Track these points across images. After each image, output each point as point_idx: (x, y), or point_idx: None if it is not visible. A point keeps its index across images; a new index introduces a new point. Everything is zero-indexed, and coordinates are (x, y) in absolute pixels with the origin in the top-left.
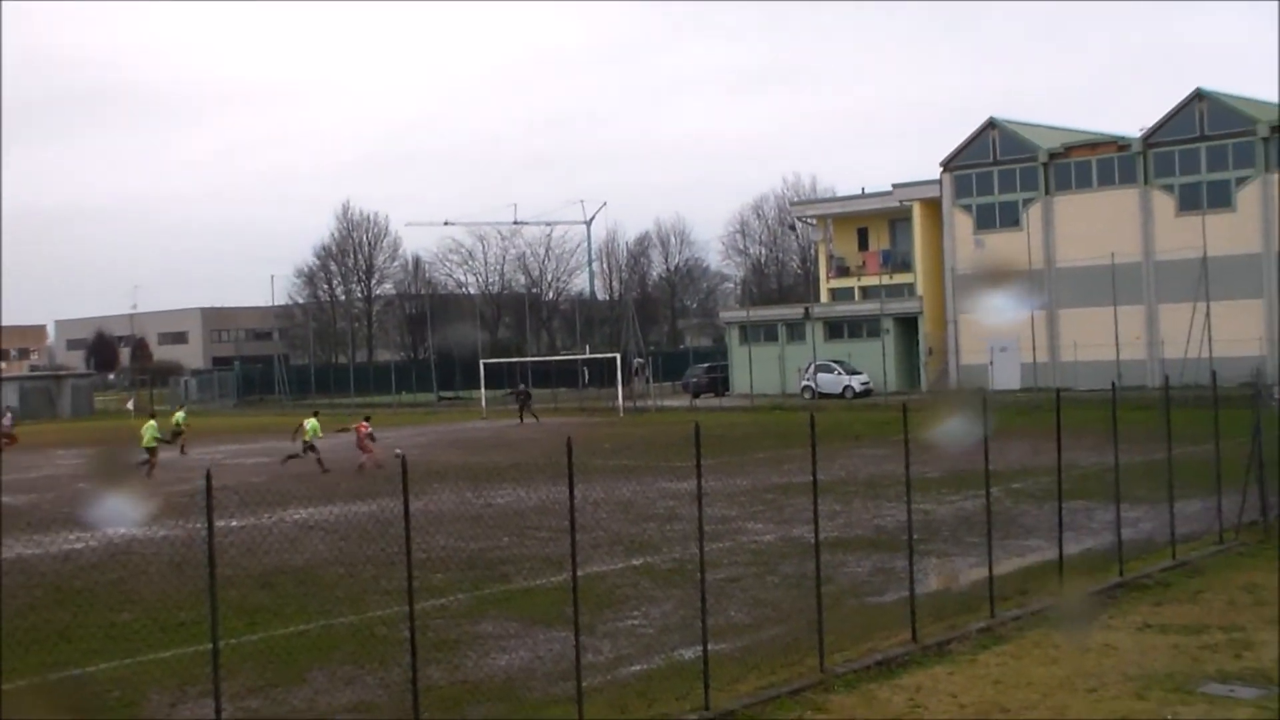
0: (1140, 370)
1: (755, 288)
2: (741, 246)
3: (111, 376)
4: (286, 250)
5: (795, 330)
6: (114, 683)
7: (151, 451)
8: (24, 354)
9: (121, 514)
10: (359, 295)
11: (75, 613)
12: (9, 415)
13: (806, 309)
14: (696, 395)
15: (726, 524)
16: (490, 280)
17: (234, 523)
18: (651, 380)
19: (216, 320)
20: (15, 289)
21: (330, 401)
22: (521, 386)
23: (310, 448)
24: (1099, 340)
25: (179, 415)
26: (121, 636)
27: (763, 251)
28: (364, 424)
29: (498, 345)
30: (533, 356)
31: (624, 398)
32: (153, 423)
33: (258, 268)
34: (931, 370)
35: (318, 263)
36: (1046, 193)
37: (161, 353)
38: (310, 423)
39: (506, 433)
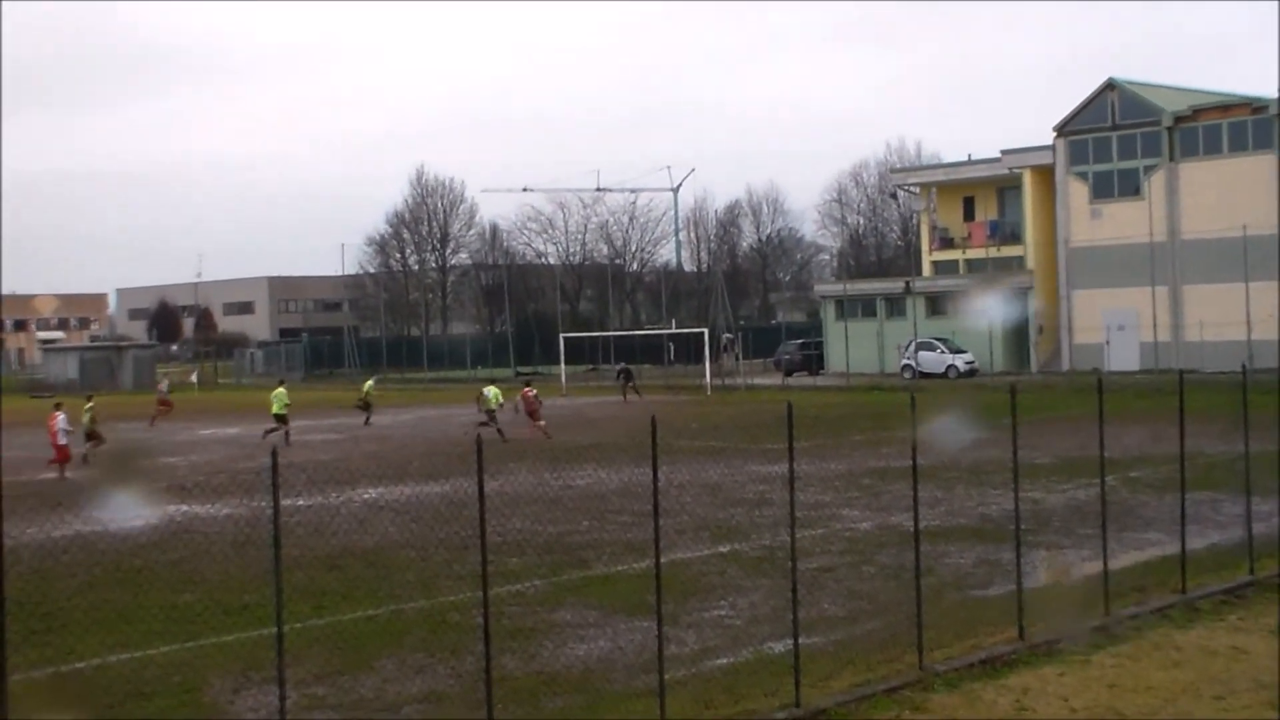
0: (1273, 352)
1: (853, 260)
2: (839, 216)
3: (174, 348)
4: (357, 218)
5: (895, 305)
6: (175, 666)
7: (281, 420)
8: (84, 323)
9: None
10: (433, 265)
11: (135, 593)
12: (166, 381)
13: (907, 283)
14: (789, 373)
15: (820, 510)
16: (571, 250)
17: (300, 501)
18: (741, 357)
19: (284, 290)
20: (75, 257)
21: (402, 376)
22: (623, 364)
23: (491, 417)
24: (1228, 319)
25: (369, 385)
26: (183, 619)
27: (861, 221)
28: (528, 389)
29: (578, 318)
30: (615, 330)
31: (712, 375)
32: (281, 390)
33: (327, 236)
34: (1042, 350)
35: (390, 231)
36: (1171, 159)
37: (227, 323)
38: (490, 390)
39: (586, 411)
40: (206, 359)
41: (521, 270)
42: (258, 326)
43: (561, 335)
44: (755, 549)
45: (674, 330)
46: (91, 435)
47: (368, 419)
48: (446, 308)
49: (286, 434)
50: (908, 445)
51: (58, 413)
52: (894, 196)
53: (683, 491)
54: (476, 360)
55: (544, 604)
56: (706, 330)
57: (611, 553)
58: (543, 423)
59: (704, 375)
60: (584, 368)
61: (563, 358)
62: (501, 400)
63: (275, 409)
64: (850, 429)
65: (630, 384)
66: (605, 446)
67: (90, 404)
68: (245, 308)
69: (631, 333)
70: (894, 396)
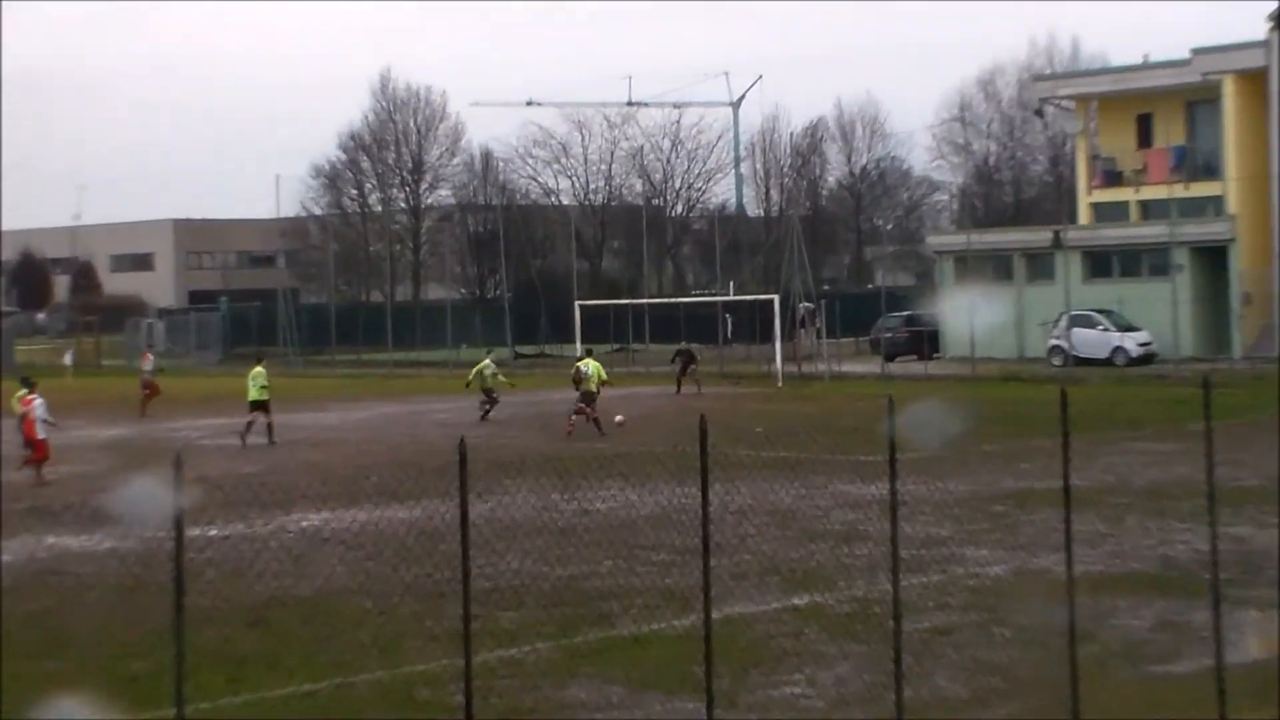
0: None
1: (980, 201)
2: (961, 141)
3: (41, 316)
4: (299, 140)
5: (1040, 265)
6: None
7: (261, 407)
8: None
9: None
10: (402, 205)
11: None
12: (150, 359)
13: (1057, 233)
14: (891, 357)
15: (934, 548)
16: (592, 187)
17: (213, 531)
18: (824, 335)
19: (195, 238)
20: None
21: (358, 358)
22: (684, 343)
23: (589, 399)
24: None
25: (487, 366)
26: (44, 697)
27: (993, 149)
28: (583, 366)
29: (601, 280)
30: (651, 297)
31: (785, 359)
32: (260, 369)
33: (258, 165)
34: (1248, 328)
35: (344, 159)
36: None
37: (115, 283)
38: (591, 365)
39: (612, 406)
40: (86, 332)
41: (524, 213)
42: (158, 288)
43: (577, 303)
44: (843, 602)
45: (732, 297)
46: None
47: (487, 413)
48: (420, 264)
49: (269, 426)
50: (1056, 459)
51: (32, 396)
52: (1039, 114)
53: (743, 520)
54: (460, 335)
55: (550, 676)
56: (777, 298)
57: (644, 605)
58: (591, 414)
59: (774, 359)
60: (608, 348)
61: (579, 334)
62: (605, 377)
63: (253, 394)
64: (976, 435)
65: (690, 370)
66: (636, 457)
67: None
68: (141, 262)
69: (674, 300)
70: (1037, 390)
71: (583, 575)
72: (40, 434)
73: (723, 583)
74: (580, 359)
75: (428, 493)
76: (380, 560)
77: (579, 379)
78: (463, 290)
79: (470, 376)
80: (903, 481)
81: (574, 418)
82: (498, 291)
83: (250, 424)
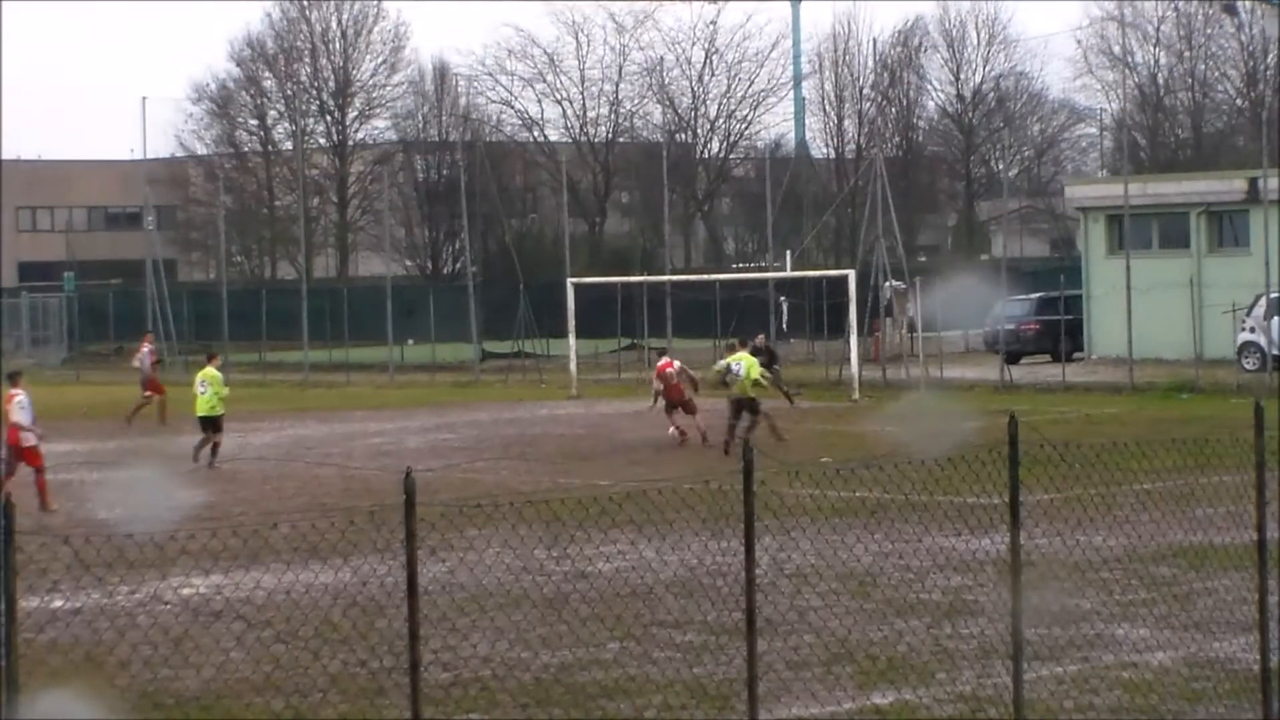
0: None
1: (1144, 137)
2: (1120, 50)
3: None
4: (173, 49)
5: (1230, 227)
6: None
7: (214, 425)
8: None
9: None
10: (321, 141)
11: None
12: (149, 349)
13: (1253, 182)
14: (1014, 358)
15: (1072, 626)
16: (591, 115)
17: (60, 601)
18: (920, 327)
19: (26, 187)
20: None
21: (261, 359)
22: (761, 337)
23: (741, 409)
24: None
25: (744, 363)
26: None
27: (1163, 61)
28: (666, 361)
29: (604, 249)
30: (674, 274)
31: (864, 361)
32: (213, 371)
33: (115, 87)
34: None
35: (238, 75)
36: None
37: None
38: (745, 363)
39: (616, 426)
40: None
41: (494, 154)
42: None
43: (570, 281)
44: (945, 701)
45: (790, 273)
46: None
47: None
48: (348, 226)
49: (214, 447)
50: (1247, 502)
51: (15, 390)
52: (1230, 10)
53: (803, 587)
54: (403, 329)
55: None
56: (853, 274)
57: (663, 704)
58: (697, 421)
59: (849, 359)
60: (614, 344)
61: (572, 324)
62: (768, 375)
63: (203, 407)
64: (1131, 468)
65: (775, 375)
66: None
67: None
68: None
69: (710, 277)
70: (1221, 405)
71: (578, 663)
72: (27, 440)
73: (775, 674)
74: (734, 352)
75: (360, 548)
76: (294, 643)
77: (731, 378)
78: (409, 264)
79: None
80: (1028, 533)
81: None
82: (458, 265)
83: (206, 443)
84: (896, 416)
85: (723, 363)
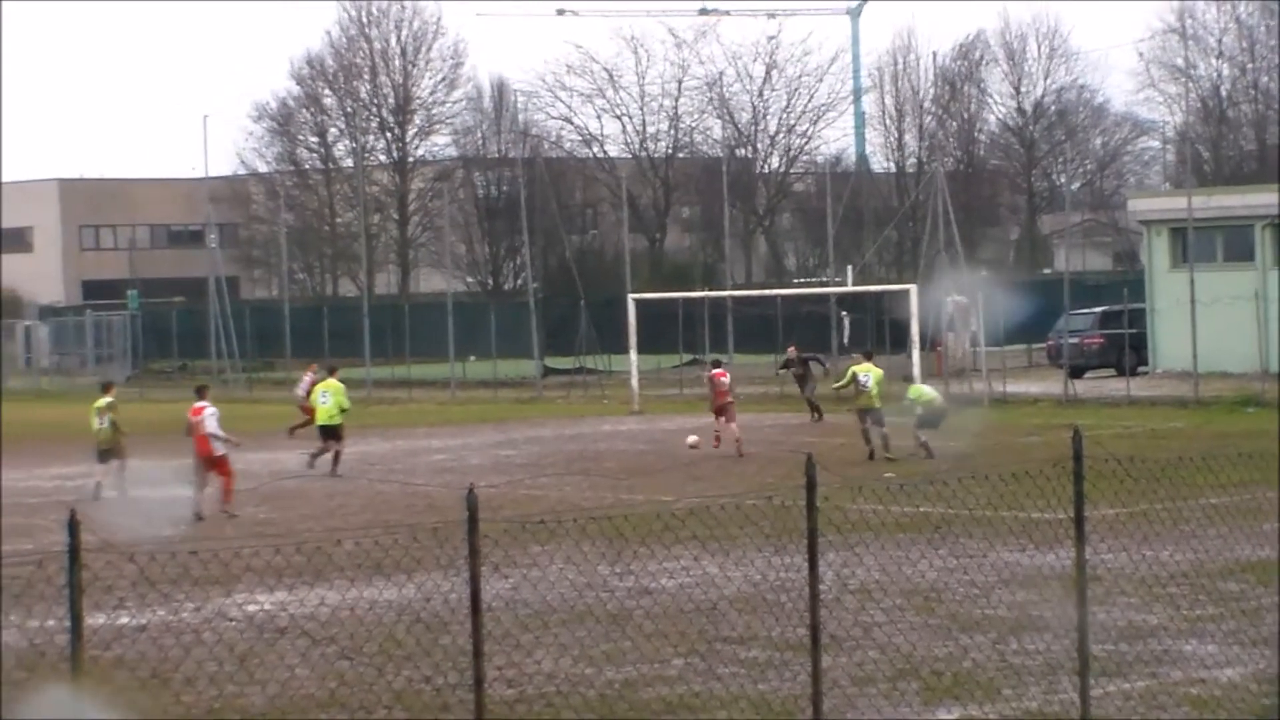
0: None
1: (1208, 149)
2: (1182, 62)
3: None
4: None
5: None
6: None
7: (334, 434)
8: None
9: None
10: (382, 158)
11: None
12: (311, 378)
13: None
14: (1078, 372)
15: (1139, 642)
16: (651, 131)
17: (125, 619)
18: (982, 341)
19: (92, 206)
20: None
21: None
22: (794, 351)
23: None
24: None
25: (871, 374)
26: None
27: (1226, 73)
28: (719, 370)
29: (664, 264)
30: (735, 289)
31: (926, 375)
32: (335, 382)
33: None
34: None
35: (299, 92)
36: None
37: None
38: (873, 375)
39: (678, 441)
40: None
41: (556, 171)
42: (40, 276)
43: (631, 297)
44: (1012, 716)
45: (851, 288)
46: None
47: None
48: (409, 242)
49: (336, 455)
50: None
51: (204, 403)
52: None
53: (867, 603)
54: (465, 345)
55: None
56: (915, 289)
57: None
58: (735, 430)
59: (910, 372)
60: (675, 360)
61: (633, 340)
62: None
63: (324, 415)
64: (1198, 482)
65: (806, 385)
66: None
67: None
68: (14, 240)
69: (770, 292)
70: None
71: (642, 680)
72: (218, 450)
73: (839, 690)
74: (859, 363)
75: (424, 564)
76: (359, 659)
77: (857, 388)
78: (470, 280)
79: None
80: (1094, 548)
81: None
82: (518, 281)
83: (324, 453)
84: (962, 432)
85: (850, 373)
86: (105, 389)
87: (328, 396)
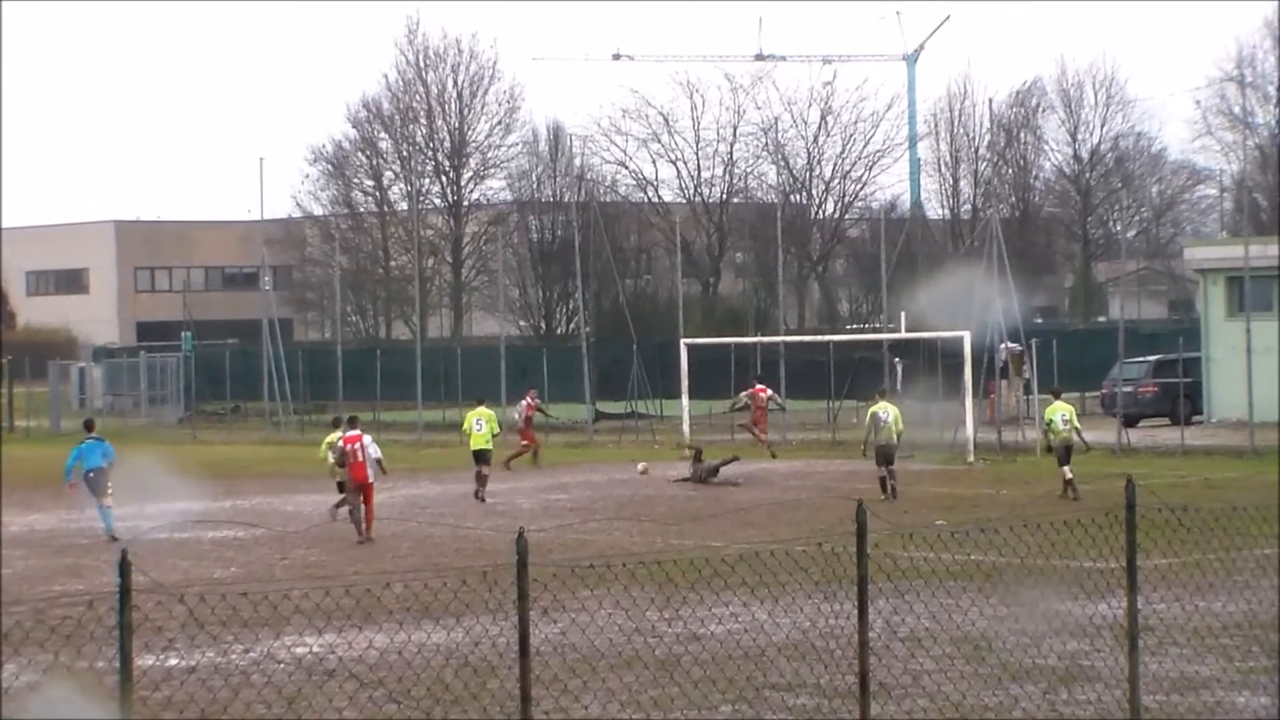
0: None
1: (1266, 197)
2: (1239, 110)
3: None
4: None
5: None
6: None
7: (484, 459)
8: None
9: None
10: (437, 202)
11: None
12: (528, 402)
13: None
14: (1132, 421)
15: (1192, 693)
16: (706, 176)
17: (174, 660)
18: (1036, 389)
19: (147, 248)
20: None
21: (374, 416)
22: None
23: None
24: None
25: (891, 412)
26: None
27: None
28: (760, 387)
29: (718, 309)
30: (788, 334)
31: (979, 423)
32: (487, 410)
33: (234, 146)
34: None
35: (354, 137)
36: None
37: (34, 310)
38: (891, 412)
39: (729, 486)
40: None
41: (610, 215)
42: (94, 318)
43: (684, 342)
44: None
45: (904, 334)
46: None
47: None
48: (463, 286)
49: (483, 479)
50: None
51: (356, 431)
52: None
53: (916, 650)
54: (518, 387)
55: None
56: (968, 335)
57: None
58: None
59: (963, 422)
60: (727, 405)
61: (685, 384)
62: (1073, 426)
63: (479, 440)
64: (1253, 531)
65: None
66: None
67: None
68: (70, 281)
69: (822, 338)
70: None
71: None
72: (370, 477)
73: None
74: (876, 401)
75: (472, 608)
76: (407, 703)
77: (877, 427)
78: (522, 324)
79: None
80: (1146, 598)
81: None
82: (571, 325)
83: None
84: (1014, 480)
85: (870, 414)
86: (352, 423)
87: (482, 424)
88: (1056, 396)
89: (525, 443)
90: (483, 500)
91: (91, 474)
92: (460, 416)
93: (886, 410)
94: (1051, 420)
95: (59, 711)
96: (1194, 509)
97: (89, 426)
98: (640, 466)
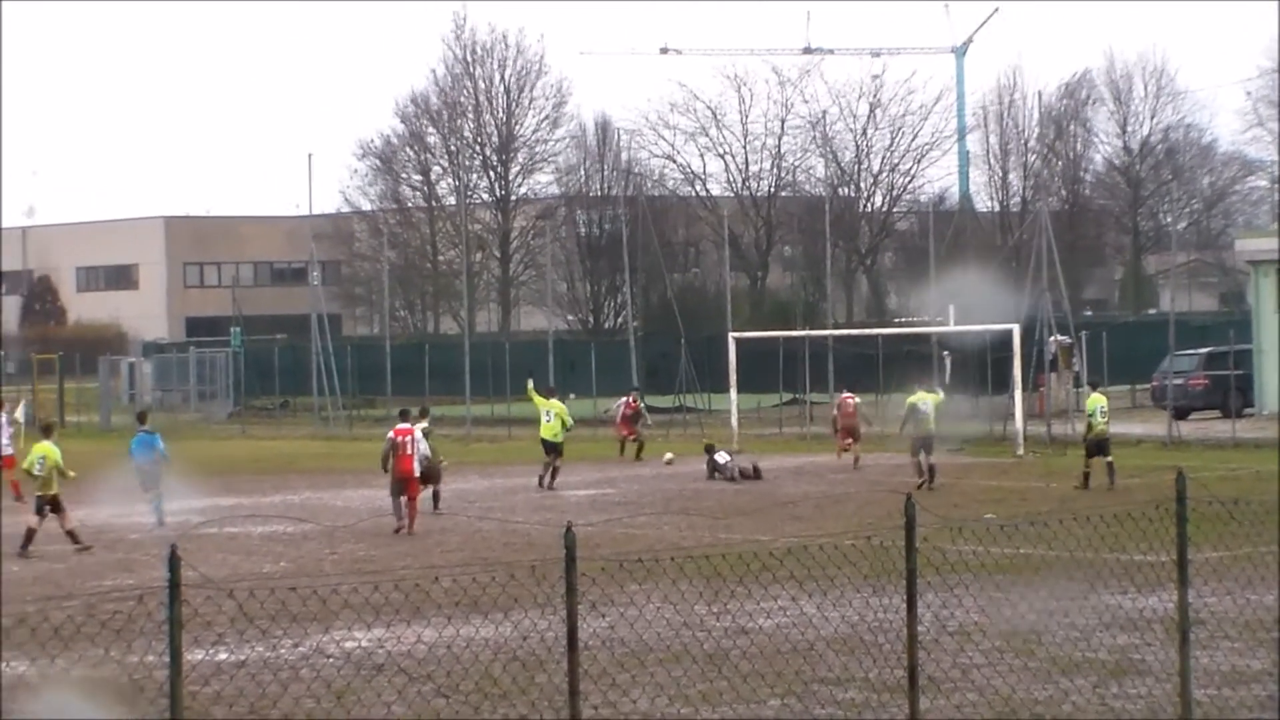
0: None
1: None
2: None
3: None
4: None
5: None
6: None
7: (556, 450)
8: None
9: None
10: (485, 196)
11: None
12: (627, 401)
13: None
14: (1183, 414)
15: (1243, 687)
16: (754, 170)
17: (224, 654)
18: (1085, 381)
19: (196, 243)
20: None
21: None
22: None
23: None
24: None
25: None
26: None
27: None
28: (848, 396)
29: (765, 303)
30: (837, 327)
31: (1028, 416)
32: (559, 403)
33: (283, 143)
34: None
35: (403, 132)
36: None
37: (84, 306)
38: (930, 400)
39: (777, 480)
40: (43, 376)
41: (657, 209)
42: (144, 313)
43: (732, 335)
44: None
45: (953, 328)
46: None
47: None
48: (511, 280)
49: (554, 474)
50: None
51: (408, 425)
52: None
53: (965, 644)
54: (568, 381)
55: None
56: (1018, 328)
57: None
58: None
59: (1012, 415)
60: (775, 398)
61: (733, 378)
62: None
63: (546, 431)
64: None
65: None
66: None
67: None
68: (120, 277)
69: (872, 331)
70: None
71: None
72: (416, 470)
73: None
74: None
75: (521, 602)
76: (455, 697)
77: (916, 417)
78: (571, 318)
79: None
80: (1197, 591)
81: None
82: (619, 320)
83: (552, 469)
84: (1064, 474)
85: (909, 404)
86: (404, 416)
87: (551, 415)
88: (1094, 389)
89: (628, 435)
90: (548, 488)
91: (143, 465)
92: (508, 411)
93: (926, 401)
94: (1093, 413)
95: (67, 711)
96: (1245, 502)
97: (142, 419)
98: (666, 457)
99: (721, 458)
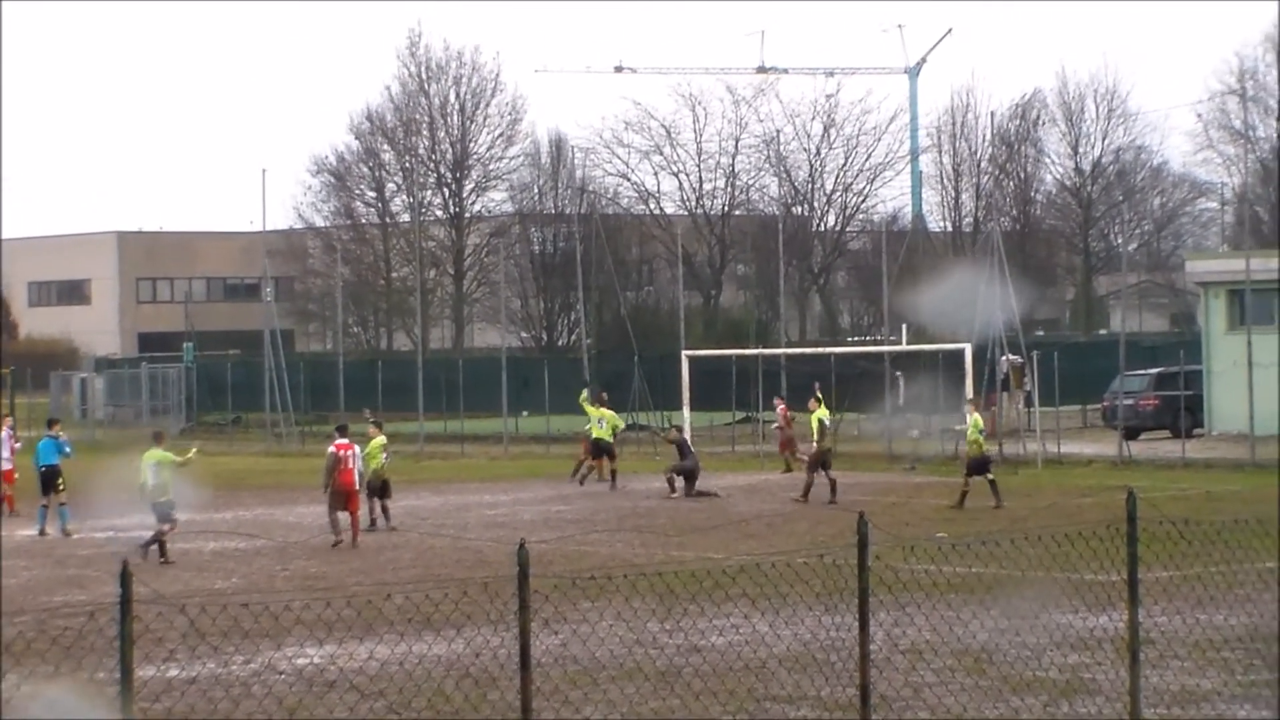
0: None
1: (1267, 211)
2: (1240, 124)
3: None
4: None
5: None
6: None
7: (606, 453)
8: None
9: None
10: (439, 214)
11: None
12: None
13: None
14: (1133, 433)
15: (1193, 706)
16: (708, 188)
17: (174, 671)
18: (1036, 401)
19: (149, 259)
20: None
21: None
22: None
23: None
24: None
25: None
26: None
27: None
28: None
29: (719, 321)
30: (789, 346)
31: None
32: (610, 413)
33: (235, 158)
34: None
35: (357, 148)
36: None
37: (37, 320)
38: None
39: (730, 498)
40: None
41: (611, 227)
42: (96, 328)
43: (685, 354)
44: None
45: (905, 347)
46: None
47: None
48: (464, 297)
49: (589, 470)
50: None
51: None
52: None
53: (917, 663)
54: (520, 398)
55: None
56: (969, 347)
57: None
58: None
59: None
60: (728, 417)
61: (686, 396)
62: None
63: (600, 429)
64: (1254, 545)
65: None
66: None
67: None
68: (72, 292)
69: (823, 350)
70: None
71: None
72: (357, 485)
73: None
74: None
75: (473, 619)
76: (407, 714)
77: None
78: (524, 335)
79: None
80: (1148, 611)
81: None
82: (573, 338)
83: (588, 467)
84: (1016, 493)
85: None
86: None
87: (603, 422)
88: (975, 409)
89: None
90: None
91: (45, 469)
92: (460, 428)
93: (826, 418)
94: (974, 434)
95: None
96: (1195, 522)
97: (50, 424)
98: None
99: (688, 435)
